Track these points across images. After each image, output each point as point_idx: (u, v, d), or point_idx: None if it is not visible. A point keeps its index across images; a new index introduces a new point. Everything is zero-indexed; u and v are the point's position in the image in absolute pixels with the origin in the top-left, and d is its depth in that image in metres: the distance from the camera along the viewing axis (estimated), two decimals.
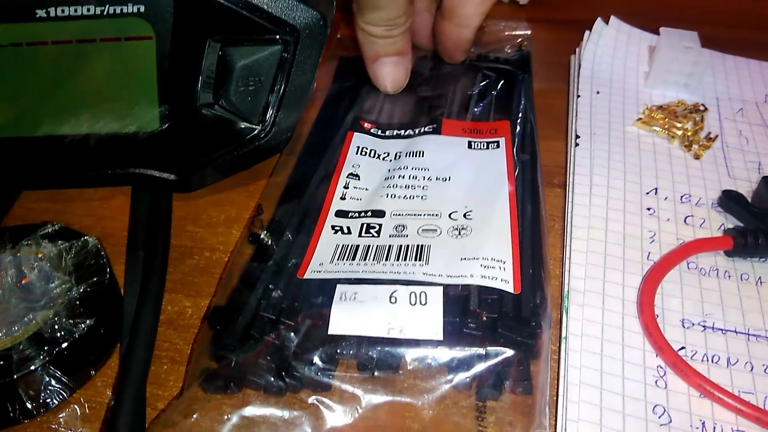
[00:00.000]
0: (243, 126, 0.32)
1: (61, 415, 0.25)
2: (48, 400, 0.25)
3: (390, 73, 0.38)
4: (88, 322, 0.25)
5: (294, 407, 0.24)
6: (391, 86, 0.39)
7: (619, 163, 0.35)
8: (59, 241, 0.28)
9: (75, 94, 0.31)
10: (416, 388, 0.24)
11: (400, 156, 0.35)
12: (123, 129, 0.31)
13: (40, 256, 0.27)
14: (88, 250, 0.28)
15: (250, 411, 0.23)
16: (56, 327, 0.25)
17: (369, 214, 0.31)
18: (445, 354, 0.24)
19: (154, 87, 0.30)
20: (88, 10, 0.28)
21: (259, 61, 0.30)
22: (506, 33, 0.45)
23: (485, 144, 0.35)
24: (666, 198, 0.33)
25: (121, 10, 0.28)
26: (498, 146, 0.35)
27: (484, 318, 0.26)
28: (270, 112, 0.31)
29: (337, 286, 0.27)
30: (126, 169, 0.31)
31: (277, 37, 0.30)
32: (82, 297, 0.26)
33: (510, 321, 0.25)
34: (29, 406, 0.25)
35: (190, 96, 0.30)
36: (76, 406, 0.26)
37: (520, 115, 0.37)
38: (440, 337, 0.25)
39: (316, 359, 0.24)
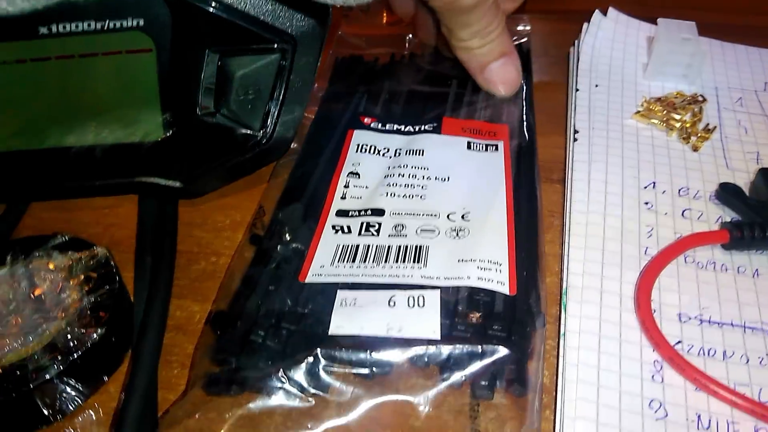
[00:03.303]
0: (244, 133, 0.32)
1: (76, 421, 0.26)
2: (64, 407, 0.26)
3: (501, 75, 0.38)
4: (99, 330, 0.26)
5: (294, 406, 0.24)
6: (506, 89, 0.38)
7: (617, 158, 0.35)
8: (70, 252, 0.29)
9: (79, 107, 0.31)
10: (413, 386, 0.25)
11: (400, 153, 0.35)
12: (127, 139, 0.31)
13: (51, 267, 0.28)
14: (98, 259, 0.29)
15: (250, 410, 0.24)
16: (69, 337, 0.26)
17: (369, 212, 0.31)
18: (441, 353, 0.25)
19: (156, 98, 0.31)
20: (89, 25, 0.29)
21: (257, 69, 0.31)
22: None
23: (484, 146, 0.35)
24: (664, 192, 0.33)
25: (121, 24, 0.29)
26: (497, 149, 0.35)
27: (480, 319, 0.26)
28: (270, 118, 0.32)
29: (338, 292, 0.27)
30: (132, 178, 0.32)
31: (275, 45, 0.30)
32: (93, 306, 0.27)
33: (505, 322, 0.26)
34: (46, 413, 0.26)
35: (191, 105, 0.31)
36: (91, 412, 0.27)
37: (520, 116, 0.37)
38: (437, 336, 0.25)
39: (316, 359, 0.25)
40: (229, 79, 0.31)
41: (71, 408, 0.26)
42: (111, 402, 0.27)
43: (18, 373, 0.25)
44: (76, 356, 0.25)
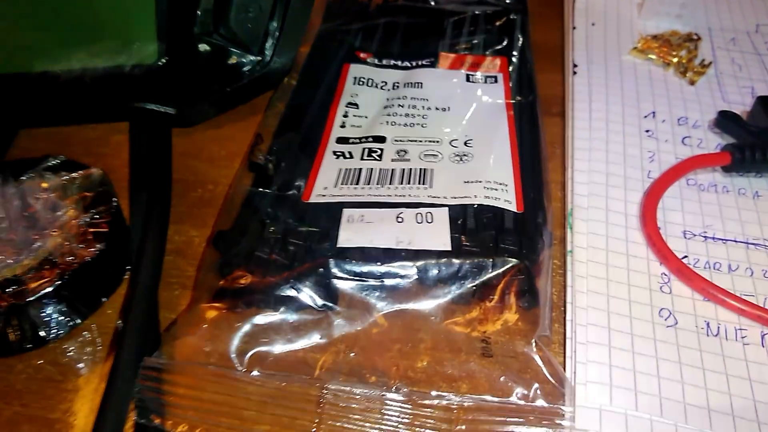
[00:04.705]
0: (242, 57, 0.31)
1: (73, 342, 0.25)
2: (60, 326, 0.25)
3: None
4: (97, 246, 0.25)
5: (303, 318, 0.24)
6: None
7: (616, 90, 0.35)
8: (63, 173, 0.28)
9: (73, 28, 0.30)
10: (423, 297, 0.25)
11: (398, 86, 0.35)
12: (122, 61, 0.30)
13: (44, 186, 0.27)
14: (93, 179, 0.28)
15: (260, 320, 0.24)
16: (66, 253, 0.25)
17: (370, 139, 0.31)
18: (452, 265, 0.25)
19: (153, 18, 0.30)
20: None
21: None
22: None
23: (483, 78, 0.35)
24: (663, 121, 0.33)
25: None
26: (496, 81, 0.35)
27: (490, 234, 0.26)
28: (269, 41, 0.31)
29: (344, 210, 0.27)
30: (125, 103, 0.31)
31: None
32: (90, 224, 0.26)
33: (515, 236, 0.26)
34: (42, 333, 0.25)
35: (189, 27, 0.30)
36: (87, 333, 0.26)
37: (518, 50, 0.37)
38: (448, 247, 0.25)
39: (326, 270, 0.24)
40: None
41: (68, 328, 0.25)
42: (109, 324, 0.26)
43: (13, 288, 0.24)
44: (73, 271, 0.24)
